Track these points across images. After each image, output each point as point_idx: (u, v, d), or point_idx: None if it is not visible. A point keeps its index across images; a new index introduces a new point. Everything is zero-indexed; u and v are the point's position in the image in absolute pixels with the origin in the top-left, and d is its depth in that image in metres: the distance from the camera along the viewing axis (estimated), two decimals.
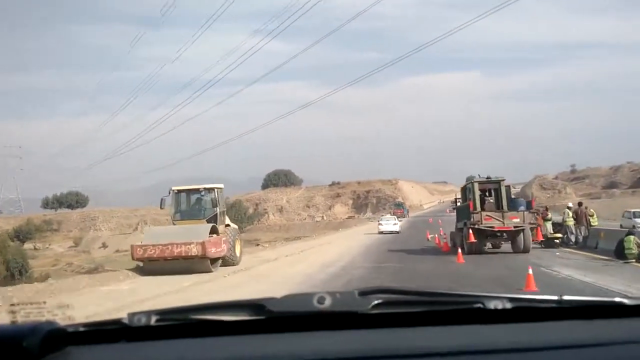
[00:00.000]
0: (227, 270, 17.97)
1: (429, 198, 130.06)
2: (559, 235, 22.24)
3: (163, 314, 1.47)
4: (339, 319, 1.39)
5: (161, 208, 21.58)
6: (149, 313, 1.44)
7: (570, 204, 24.04)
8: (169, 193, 19.86)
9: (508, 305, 1.38)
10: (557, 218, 24.19)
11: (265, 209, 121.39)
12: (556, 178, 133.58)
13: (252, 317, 1.44)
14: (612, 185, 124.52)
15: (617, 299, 1.49)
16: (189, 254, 16.46)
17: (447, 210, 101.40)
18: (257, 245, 34.32)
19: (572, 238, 21.95)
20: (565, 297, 1.46)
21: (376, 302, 1.38)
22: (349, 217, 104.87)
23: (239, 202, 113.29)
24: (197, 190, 19.98)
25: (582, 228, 21.82)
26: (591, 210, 23.21)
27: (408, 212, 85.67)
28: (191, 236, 16.75)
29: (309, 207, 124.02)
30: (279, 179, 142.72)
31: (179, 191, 19.89)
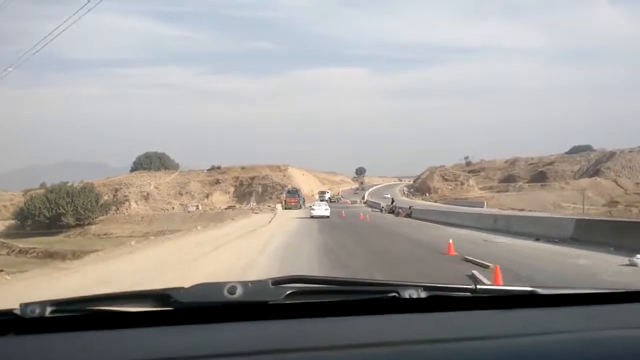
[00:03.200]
0: None
1: (321, 188, 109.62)
2: None
3: (59, 304, 1.29)
4: (251, 309, 1.28)
5: None
6: (43, 303, 1.26)
7: None
8: None
9: (423, 295, 1.31)
10: None
11: (126, 196, 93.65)
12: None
13: (157, 307, 1.29)
14: (510, 178, 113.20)
15: (529, 289, 1.43)
16: None
17: (349, 202, 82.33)
18: None
19: None
20: (480, 286, 1.40)
21: (289, 291, 1.28)
22: (229, 207, 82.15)
23: (89, 187, 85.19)
24: None
25: None
26: None
27: (304, 201, 63.36)
28: None
29: (182, 194, 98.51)
30: (151, 163, 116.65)
31: None
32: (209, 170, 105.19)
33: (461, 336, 1.12)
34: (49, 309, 1.24)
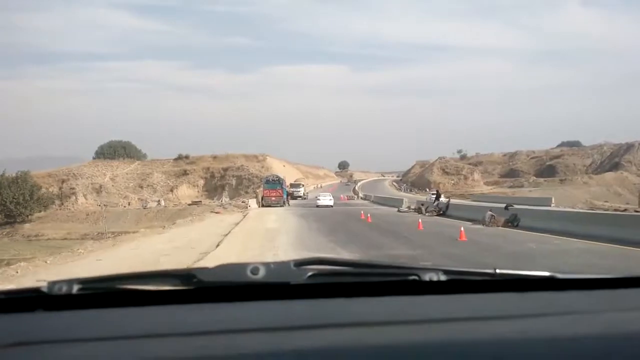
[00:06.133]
0: None
1: (304, 182, 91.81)
2: None
3: (86, 282, 1.26)
4: (274, 289, 1.24)
5: None
6: (70, 281, 1.24)
7: None
8: None
9: (442, 278, 1.28)
10: None
11: (72, 189, 74.13)
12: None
13: (181, 287, 1.26)
14: (512, 172, 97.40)
15: (547, 273, 1.37)
16: None
17: (345, 197, 64.68)
18: None
19: None
20: (499, 271, 1.35)
21: (311, 273, 1.24)
22: (193, 203, 64.38)
23: (22, 177, 65.82)
24: None
25: None
26: None
27: (289, 197, 45.15)
28: None
29: (142, 187, 79.44)
30: (114, 153, 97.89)
31: None
32: (175, 159, 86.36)
33: (480, 315, 1.11)
34: (75, 287, 1.21)
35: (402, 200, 36.61)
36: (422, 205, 28.23)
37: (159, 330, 1.03)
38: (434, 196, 30.20)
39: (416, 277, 1.26)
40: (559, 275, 1.35)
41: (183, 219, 28.42)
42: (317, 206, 36.56)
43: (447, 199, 27.27)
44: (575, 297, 1.29)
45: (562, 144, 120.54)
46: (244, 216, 27.34)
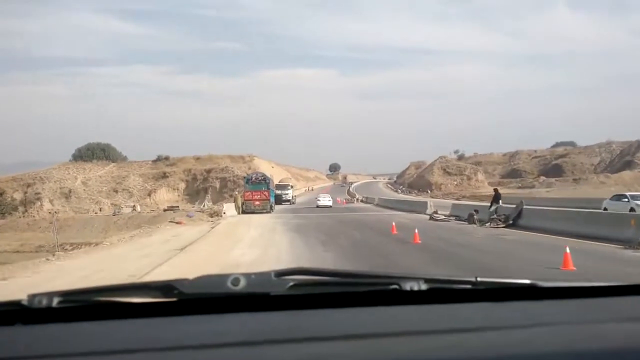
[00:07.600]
0: None
1: (294, 184, 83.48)
2: None
3: (66, 295, 1.23)
4: (254, 300, 1.21)
5: None
6: (50, 294, 1.20)
7: None
8: None
9: (423, 287, 1.25)
10: None
11: (38, 194, 65.21)
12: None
13: (162, 299, 1.24)
14: (514, 172, 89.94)
15: (529, 281, 1.34)
16: None
17: (343, 201, 56.60)
18: None
19: None
20: (480, 279, 1.30)
21: (292, 283, 1.22)
22: (169, 209, 56.01)
23: None
24: None
25: None
26: None
27: (275, 199, 36.88)
28: None
29: (117, 191, 70.52)
30: (93, 155, 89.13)
31: None
32: (154, 161, 77.63)
33: (461, 327, 1.07)
34: (56, 300, 1.17)
35: (425, 203, 28.66)
36: (476, 211, 19.90)
37: (140, 345, 1.01)
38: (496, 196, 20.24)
39: (397, 287, 1.23)
40: (541, 284, 1.31)
41: (124, 234, 20.01)
42: (318, 206, 38.00)
43: (520, 202, 18.48)
44: (556, 307, 1.24)
45: (557, 145, 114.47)
46: (211, 229, 18.99)
